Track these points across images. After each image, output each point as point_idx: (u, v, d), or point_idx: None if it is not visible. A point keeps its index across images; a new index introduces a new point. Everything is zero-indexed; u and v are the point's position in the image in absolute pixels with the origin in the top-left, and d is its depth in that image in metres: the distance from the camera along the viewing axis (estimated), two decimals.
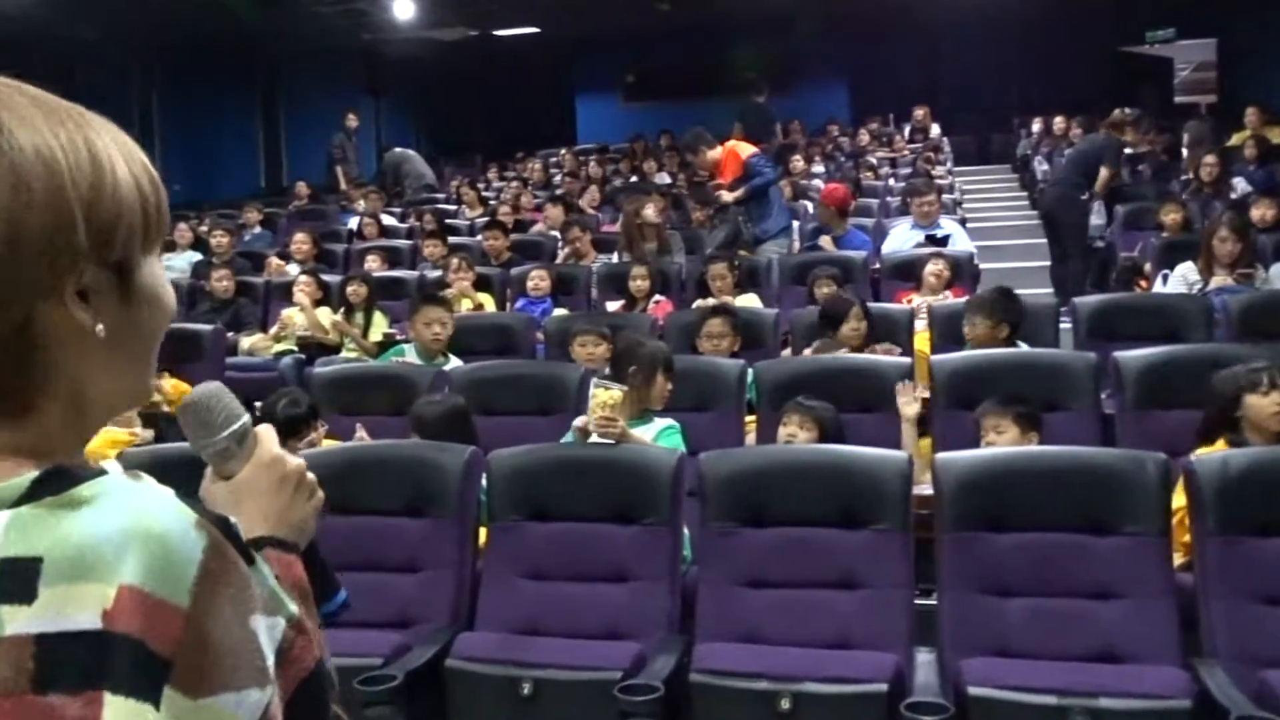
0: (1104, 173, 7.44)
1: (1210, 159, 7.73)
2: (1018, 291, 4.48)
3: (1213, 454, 2.52)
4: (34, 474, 0.64)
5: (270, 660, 0.66)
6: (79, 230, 0.66)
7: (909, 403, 3.64)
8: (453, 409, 3.36)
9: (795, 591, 2.60)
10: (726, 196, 6.76)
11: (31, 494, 0.63)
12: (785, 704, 2.21)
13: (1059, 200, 7.49)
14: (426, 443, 3.06)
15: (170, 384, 5.07)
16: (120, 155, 0.71)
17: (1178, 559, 2.67)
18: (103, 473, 0.66)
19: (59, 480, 0.64)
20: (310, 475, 0.97)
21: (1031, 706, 2.13)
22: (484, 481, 2.91)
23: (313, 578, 0.93)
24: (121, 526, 0.62)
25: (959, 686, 2.21)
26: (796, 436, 3.24)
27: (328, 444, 3.52)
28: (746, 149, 6.97)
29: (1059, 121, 11.37)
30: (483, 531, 2.95)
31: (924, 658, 2.46)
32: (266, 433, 0.98)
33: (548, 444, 3.01)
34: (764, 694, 2.24)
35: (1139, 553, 2.45)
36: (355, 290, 6.26)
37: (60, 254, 0.66)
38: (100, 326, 0.69)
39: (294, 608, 0.71)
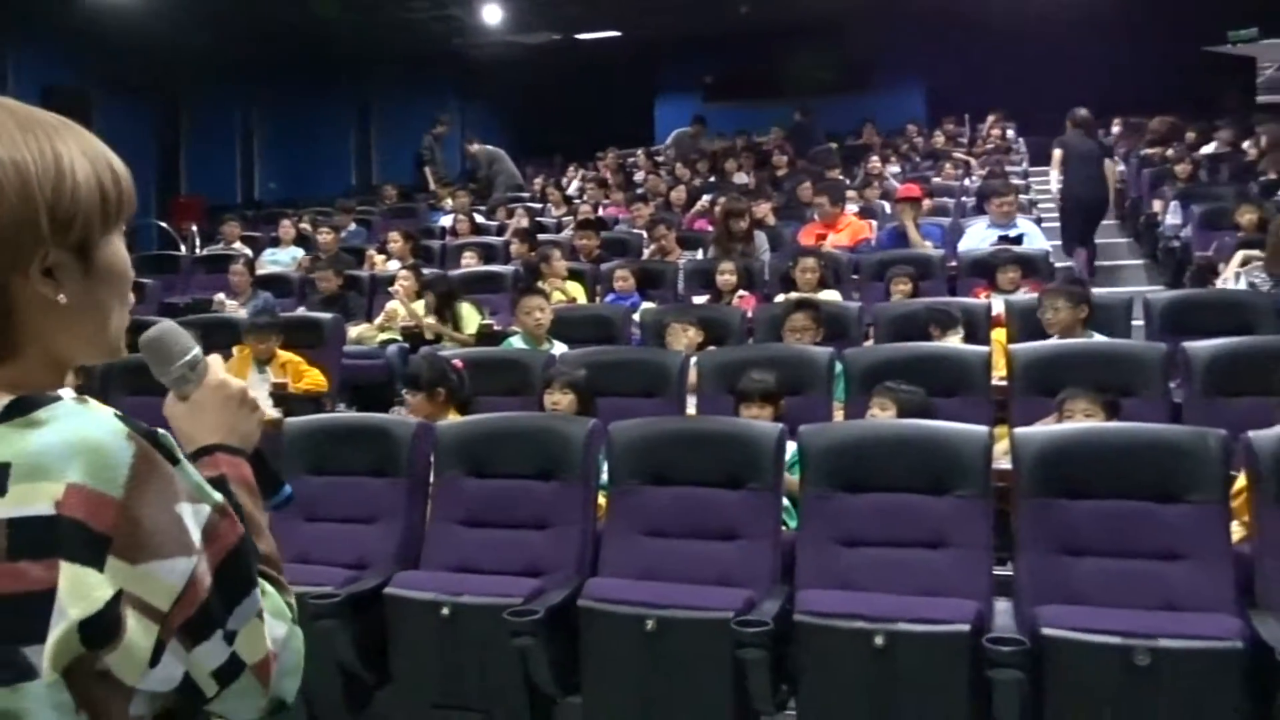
0: (1110, 165, 8.56)
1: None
2: (1094, 289, 4.73)
3: (1271, 430, 2.78)
4: (4, 401, 0.83)
5: (195, 536, 0.85)
6: (42, 222, 0.84)
7: None
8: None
9: (887, 550, 2.91)
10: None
11: (2, 417, 0.82)
12: (880, 640, 2.53)
13: (1100, 198, 8.33)
14: (554, 414, 3.44)
15: (289, 364, 5.54)
16: (85, 159, 0.88)
17: (1238, 534, 2.93)
18: (58, 399, 0.84)
19: (21, 406, 0.83)
20: (251, 394, 1.16)
21: (1099, 646, 2.41)
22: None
23: (260, 478, 1.12)
24: (68, 440, 0.81)
25: (1034, 629, 2.50)
26: (878, 417, 3.57)
27: (454, 418, 3.93)
28: (866, 232, 7.52)
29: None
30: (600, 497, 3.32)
31: (1002, 606, 2.76)
32: (215, 361, 1.16)
33: (663, 417, 3.35)
34: (861, 632, 2.56)
35: (1201, 519, 2.72)
36: (405, 286, 6.59)
37: (25, 240, 0.84)
38: (62, 296, 0.87)
39: (218, 497, 0.89)
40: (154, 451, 0.84)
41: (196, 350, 1.14)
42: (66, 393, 0.88)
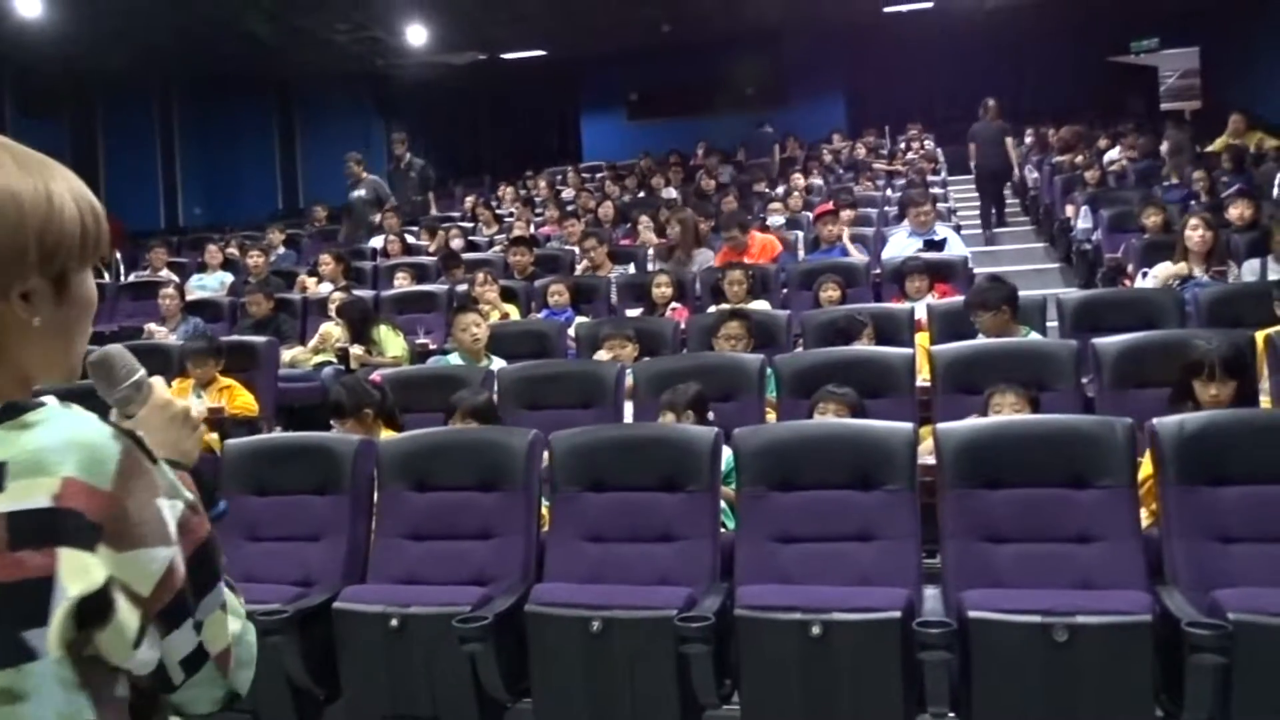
0: (1010, 142, 10.72)
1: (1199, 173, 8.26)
2: None
3: (1172, 417, 2.97)
4: None
5: (173, 529, 0.93)
6: (31, 251, 0.92)
7: None
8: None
9: (820, 544, 3.03)
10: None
11: None
12: (816, 630, 2.64)
13: (1004, 168, 10.68)
14: (496, 427, 3.51)
15: (227, 389, 5.53)
16: (71, 197, 0.96)
17: (1146, 520, 3.11)
18: (44, 404, 0.91)
19: (13, 411, 0.90)
20: (194, 412, 1.24)
21: (1021, 625, 2.55)
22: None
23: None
24: (61, 438, 0.88)
25: (960, 612, 2.63)
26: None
27: (388, 434, 3.96)
28: (779, 247, 7.68)
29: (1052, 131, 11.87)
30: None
31: (931, 592, 2.89)
32: (159, 382, 1.23)
33: (602, 425, 3.44)
34: (798, 623, 2.67)
35: (1111, 502, 2.89)
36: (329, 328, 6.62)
37: (13, 267, 0.92)
38: (37, 320, 0.94)
39: (190, 495, 0.98)
40: (137, 449, 0.93)
41: (142, 372, 1.22)
42: (50, 399, 0.95)
